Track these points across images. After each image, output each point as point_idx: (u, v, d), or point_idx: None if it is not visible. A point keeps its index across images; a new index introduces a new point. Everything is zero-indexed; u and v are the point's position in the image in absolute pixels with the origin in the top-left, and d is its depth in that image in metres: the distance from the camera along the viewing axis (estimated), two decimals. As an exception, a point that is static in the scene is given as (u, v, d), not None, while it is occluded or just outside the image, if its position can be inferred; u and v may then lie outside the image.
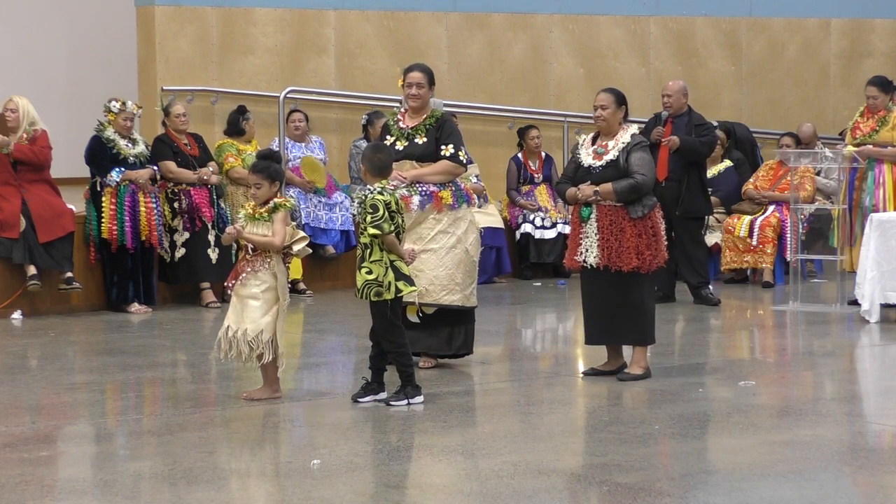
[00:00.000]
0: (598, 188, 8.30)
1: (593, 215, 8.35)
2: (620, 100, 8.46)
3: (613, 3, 15.62)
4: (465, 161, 8.94)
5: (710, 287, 12.06)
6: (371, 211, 7.64)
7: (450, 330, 8.83)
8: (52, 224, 11.29)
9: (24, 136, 11.39)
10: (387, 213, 7.66)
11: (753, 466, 6.34)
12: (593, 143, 8.50)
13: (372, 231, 7.62)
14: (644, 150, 8.39)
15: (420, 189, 8.68)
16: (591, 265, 8.36)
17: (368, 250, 7.67)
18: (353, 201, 7.93)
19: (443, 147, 8.77)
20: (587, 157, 8.45)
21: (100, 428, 7.43)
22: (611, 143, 8.41)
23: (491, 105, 14.86)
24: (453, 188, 8.83)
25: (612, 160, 8.34)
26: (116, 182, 11.49)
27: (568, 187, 8.46)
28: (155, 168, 11.76)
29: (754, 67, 16.43)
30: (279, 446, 7.04)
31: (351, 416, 7.47)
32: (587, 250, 8.37)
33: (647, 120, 12.55)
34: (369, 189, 7.76)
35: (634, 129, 8.54)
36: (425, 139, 8.79)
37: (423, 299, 8.63)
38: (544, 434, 7.12)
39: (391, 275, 7.69)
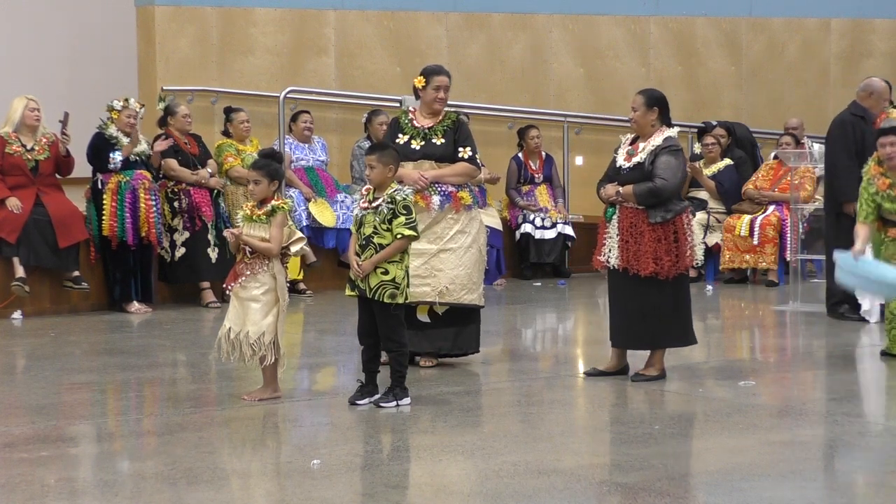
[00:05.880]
0: (620, 189, 8.28)
1: (616, 216, 8.34)
2: (651, 101, 8.31)
3: (613, 3, 15.63)
4: (480, 164, 9.03)
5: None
6: (405, 212, 7.56)
7: (457, 329, 8.86)
8: (72, 228, 11.32)
9: (45, 139, 11.43)
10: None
11: (753, 466, 6.34)
12: (632, 144, 8.47)
13: (408, 232, 7.54)
14: (672, 155, 8.20)
15: (439, 189, 8.70)
16: (613, 266, 8.36)
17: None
18: (358, 199, 7.82)
19: (460, 149, 8.81)
20: (620, 158, 8.42)
21: (100, 428, 7.43)
22: (643, 145, 8.37)
23: (491, 105, 14.87)
24: (468, 189, 8.88)
25: (639, 162, 8.25)
26: (121, 160, 11.49)
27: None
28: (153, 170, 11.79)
29: (754, 67, 16.43)
30: (279, 446, 7.04)
31: (351, 416, 7.47)
32: (610, 251, 8.35)
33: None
34: (400, 189, 7.67)
35: (671, 132, 8.31)
36: (443, 140, 8.80)
37: (443, 298, 8.65)
38: (544, 434, 7.11)
39: (408, 279, 7.67)
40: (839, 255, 8.42)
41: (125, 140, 11.62)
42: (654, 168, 8.18)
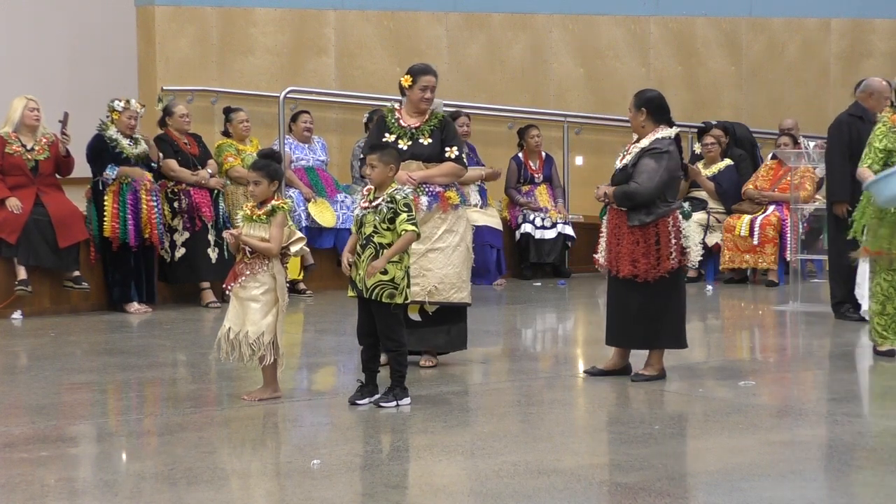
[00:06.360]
0: (608, 190, 8.29)
1: (606, 217, 8.38)
2: (639, 103, 8.29)
3: (613, 3, 15.63)
4: (467, 163, 8.99)
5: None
6: (406, 209, 7.55)
7: (448, 327, 8.87)
8: (72, 228, 11.32)
9: (45, 139, 11.43)
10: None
11: (753, 466, 6.34)
12: (634, 144, 8.46)
13: (411, 228, 7.54)
14: (654, 158, 8.14)
15: (427, 189, 8.70)
16: (603, 265, 8.40)
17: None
18: (359, 199, 7.81)
19: (447, 149, 8.80)
20: (618, 158, 8.44)
21: (100, 428, 7.42)
22: (633, 147, 8.36)
23: (491, 105, 14.87)
24: (456, 189, 8.88)
25: (626, 164, 8.29)
26: (113, 179, 11.50)
27: None
28: (153, 165, 11.76)
29: (754, 67, 16.43)
30: (279, 446, 7.04)
31: (351, 416, 7.47)
32: (601, 250, 8.40)
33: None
34: (400, 188, 7.66)
35: (665, 132, 8.26)
36: (430, 140, 8.79)
37: (432, 298, 8.65)
38: (544, 434, 7.11)
39: (407, 279, 7.66)
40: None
41: (125, 142, 11.62)
42: (634, 170, 8.19)
